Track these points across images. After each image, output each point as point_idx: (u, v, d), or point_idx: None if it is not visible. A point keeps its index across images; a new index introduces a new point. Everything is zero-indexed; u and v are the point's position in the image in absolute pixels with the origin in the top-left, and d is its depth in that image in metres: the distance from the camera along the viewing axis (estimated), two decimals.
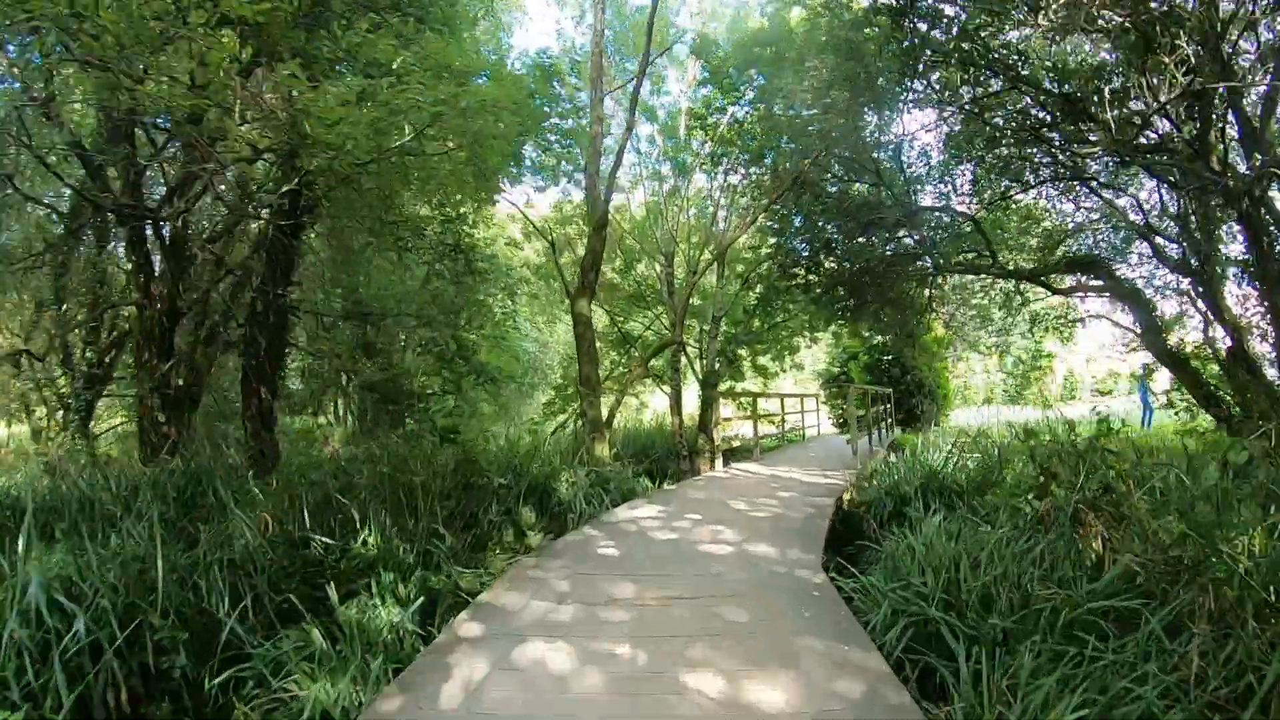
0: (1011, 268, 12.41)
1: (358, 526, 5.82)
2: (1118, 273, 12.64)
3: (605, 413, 11.34)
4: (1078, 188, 13.90)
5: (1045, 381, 34.68)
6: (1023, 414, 28.11)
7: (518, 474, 8.31)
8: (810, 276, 17.07)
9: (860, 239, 14.41)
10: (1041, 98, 10.58)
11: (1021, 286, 15.21)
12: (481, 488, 7.84)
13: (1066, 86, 10.09)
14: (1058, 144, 11.42)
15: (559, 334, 25.99)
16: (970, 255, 13.51)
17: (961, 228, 13.65)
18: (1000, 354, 15.66)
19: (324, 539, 5.59)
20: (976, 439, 8.20)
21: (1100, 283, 12.15)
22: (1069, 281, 12.75)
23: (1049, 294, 13.11)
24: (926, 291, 15.42)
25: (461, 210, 11.66)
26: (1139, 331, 12.49)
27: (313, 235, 14.92)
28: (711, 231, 18.68)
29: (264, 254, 9.30)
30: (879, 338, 21.07)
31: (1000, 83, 10.31)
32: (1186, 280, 13.17)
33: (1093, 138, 11.52)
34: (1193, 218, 13.33)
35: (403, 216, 10.83)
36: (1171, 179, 11.20)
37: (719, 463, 10.68)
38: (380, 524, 5.81)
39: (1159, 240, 13.11)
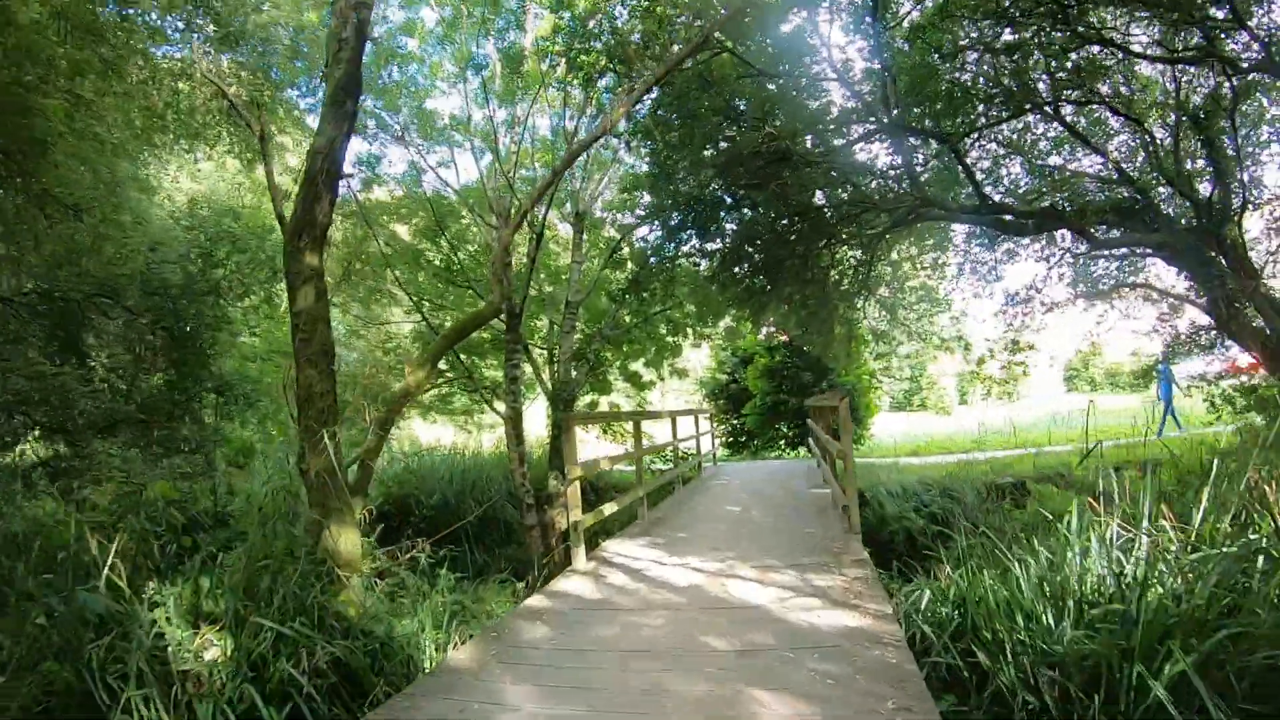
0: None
1: None
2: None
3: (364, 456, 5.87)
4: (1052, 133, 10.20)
5: (939, 385, 32.50)
6: (928, 423, 25.43)
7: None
8: (706, 244, 12.42)
9: (782, 180, 9.79)
10: None
11: (994, 257, 11.29)
12: None
13: None
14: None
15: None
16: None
17: (931, 166, 9.39)
18: (965, 347, 11.63)
19: None
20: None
21: (1141, 235, 8.18)
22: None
23: (1084, 253, 9.09)
24: (869, 265, 11.08)
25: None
26: (1196, 300, 8.73)
27: None
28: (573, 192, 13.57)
29: None
30: (782, 336, 16.83)
31: None
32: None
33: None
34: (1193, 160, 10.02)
35: None
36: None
37: (580, 555, 5.36)
38: None
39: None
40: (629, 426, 12.59)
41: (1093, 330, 13.09)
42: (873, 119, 8.18)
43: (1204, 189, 9.81)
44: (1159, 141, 9.89)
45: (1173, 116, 9.90)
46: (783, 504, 8.02)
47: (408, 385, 6.36)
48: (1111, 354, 29.84)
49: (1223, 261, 8.37)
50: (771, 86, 8.88)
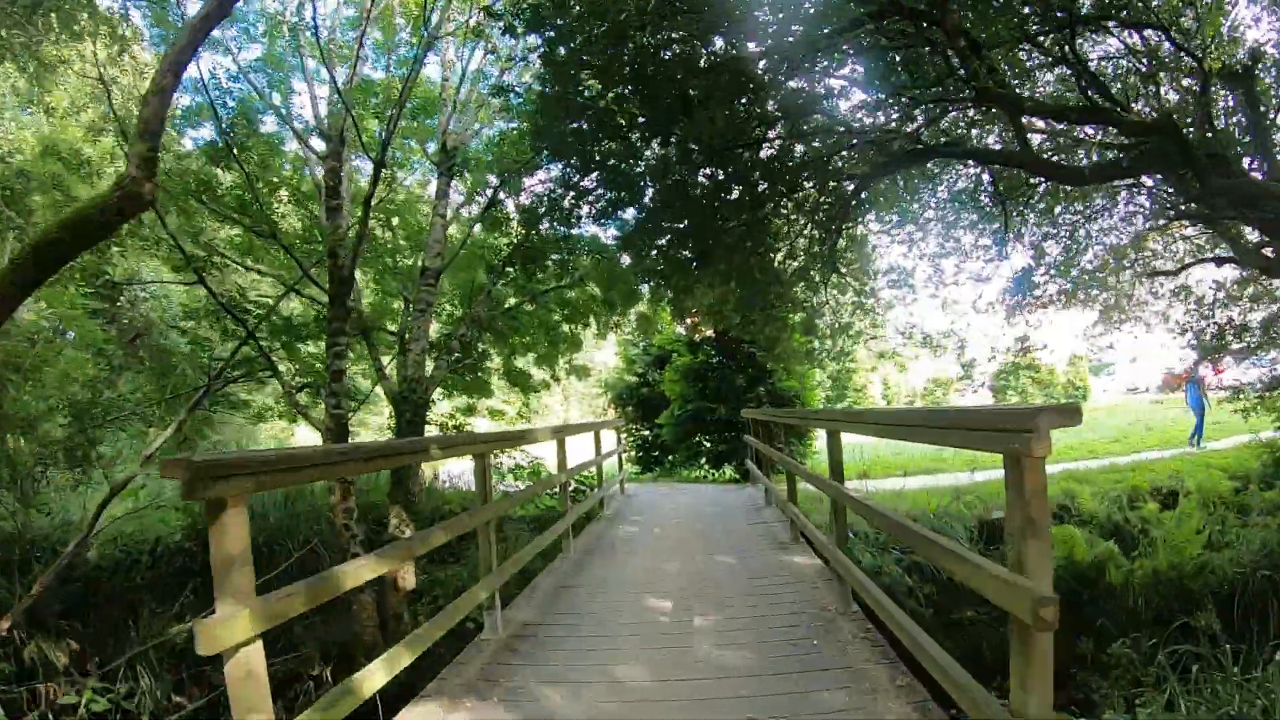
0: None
1: None
2: None
3: None
4: None
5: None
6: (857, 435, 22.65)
7: None
8: (618, 199, 9.18)
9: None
10: None
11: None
12: None
13: None
14: None
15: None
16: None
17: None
18: (961, 345, 8.80)
19: None
20: None
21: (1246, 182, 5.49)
22: None
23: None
24: (837, 229, 8.09)
25: None
26: None
27: None
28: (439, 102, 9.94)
29: None
30: (708, 330, 13.71)
31: None
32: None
33: None
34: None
35: None
36: None
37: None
38: None
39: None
40: (552, 430, 9.00)
41: (1089, 330, 10.64)
42: None
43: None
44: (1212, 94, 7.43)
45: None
46: (747, 590, 4.75)
47: None
48: (1041, 360, 28.55)
49: None
50: None
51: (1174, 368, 32.45)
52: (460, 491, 12.30)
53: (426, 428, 9.53)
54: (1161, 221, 10.39)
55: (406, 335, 9.55)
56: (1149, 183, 9.90)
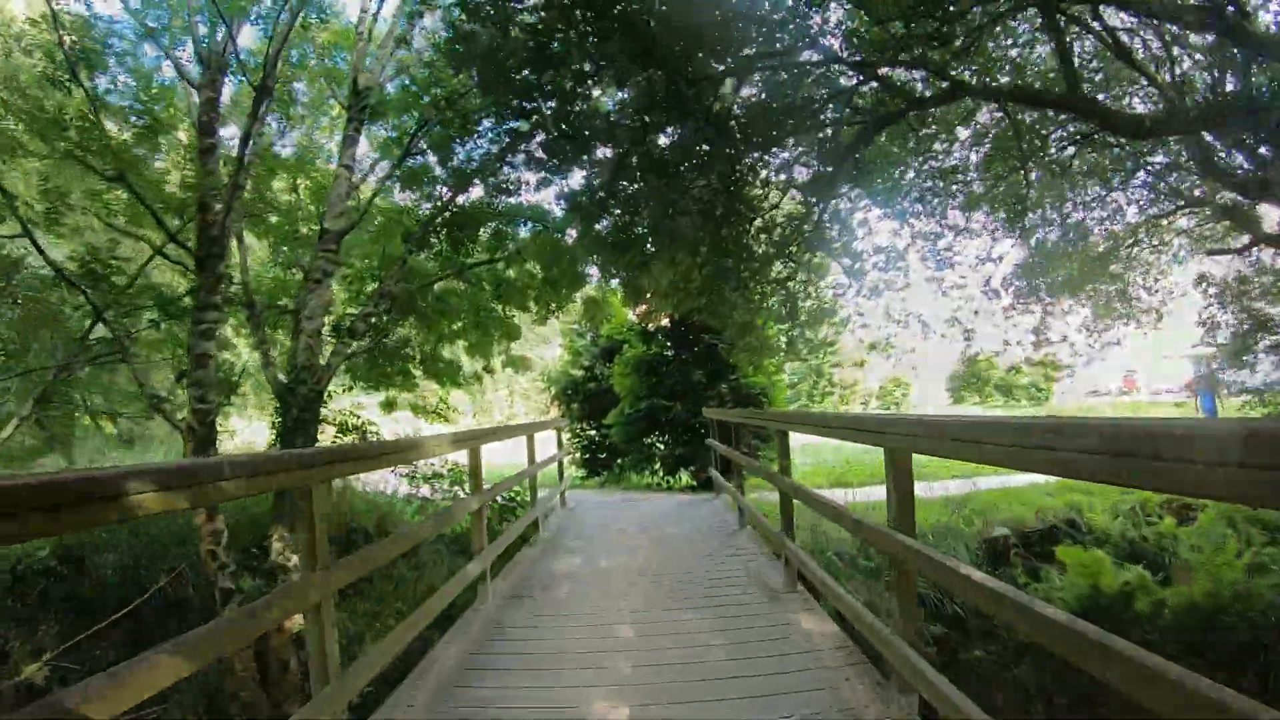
0: None
1: None
2: None
3: None
4: None
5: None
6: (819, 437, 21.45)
7: None
8: (562, 147, 7.59)
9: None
10: None
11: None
12: None
13: None
14: None
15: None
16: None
17: None
18: (966, 335, 7.48)
19: None
20: None
21: None
22: None
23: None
24: (827, 191, 6.68)
25: None
26: None
27: None
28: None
29: None
30: (665, 319, 12.17)
31: None
32: None
33: None
34: None
35: None
36: None
37: None
38: None
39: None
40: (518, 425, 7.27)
41: (1092, 324, 9.50)
42: None
43: None
44: None
45: None
46: (742, 681, 3.21)
47: None
48: (999, 361, 27.78)
49: None
50: None
51: (1134, 370, 32.46)
52: (375, 499, 10.46)
53: (321, 426, 7.73)
54: (1168, 208, 9.38)
55: (300, 313, 7.70)
56: (1153, 164, 8.88)
